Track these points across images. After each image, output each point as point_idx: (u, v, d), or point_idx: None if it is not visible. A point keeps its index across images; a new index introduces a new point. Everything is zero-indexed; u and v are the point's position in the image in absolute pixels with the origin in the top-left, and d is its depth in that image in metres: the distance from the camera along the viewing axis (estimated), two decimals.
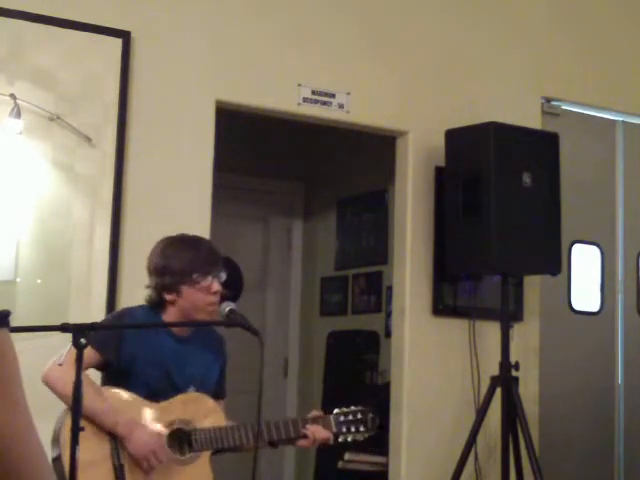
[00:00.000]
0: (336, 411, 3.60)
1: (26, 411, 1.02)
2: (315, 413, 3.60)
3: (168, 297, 3.47)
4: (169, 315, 3.49)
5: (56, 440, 3.25)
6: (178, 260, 3.45)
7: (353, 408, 3.61)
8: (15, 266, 4.20)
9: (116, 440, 3.33)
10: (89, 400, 3.16)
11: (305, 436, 3.51)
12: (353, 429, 3.59)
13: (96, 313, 4.20)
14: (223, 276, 3.51)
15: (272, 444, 3.55)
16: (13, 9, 4.24)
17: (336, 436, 3.59)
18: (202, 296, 3.44)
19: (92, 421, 3.27)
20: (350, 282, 6.67)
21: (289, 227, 7.06)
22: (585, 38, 5.74)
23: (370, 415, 3.62)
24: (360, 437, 3.62)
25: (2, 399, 0.98)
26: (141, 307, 3.53)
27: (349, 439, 3.61)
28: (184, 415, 3.42)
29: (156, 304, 3.50)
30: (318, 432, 3.51)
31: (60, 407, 3.27)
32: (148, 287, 3.51)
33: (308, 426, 3.51)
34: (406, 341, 5.07)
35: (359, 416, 3.60)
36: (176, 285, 3.44)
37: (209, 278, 3.44)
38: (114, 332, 3.44)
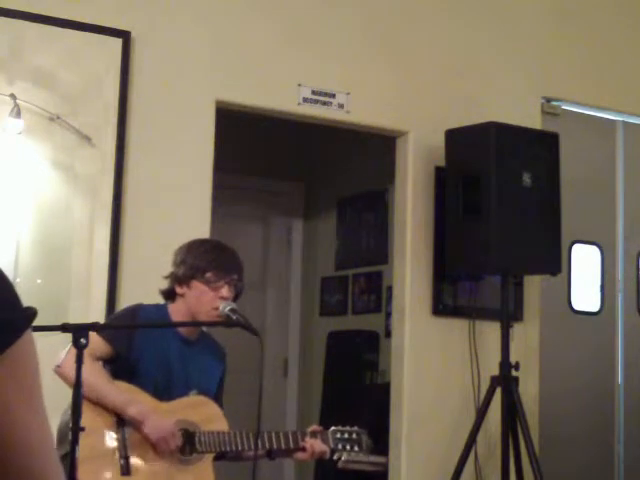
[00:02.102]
0: (333, 428, 3.64)
1: (45, 417, 1.03)
2: (314, 427, 3.64)
3: (179, 289, 3.52)
4: (177, 309, 3.53)
5: (63, 438, 3.25)
6: (198, 257, 3.51)
7: (349, 428, 3.66)
8: (15, 266, 4.20)
9: (124, 432, 3.34)
10: (103, 385, 3.25)
11: (303, 449, 3.54)
12: (348, 447, 3.63)
13: (96, 313, 4.20)
14: (239, 285, 3.53)
15: (270, 455, 3.57)
16: (13, 9, 4.24)
17: (332, 452, 3.63)
18: (210, 297, 3.45)
19: (103, 406, 3.30)
20: (350, 282, 6.68)
21: (289, 227, 7.06)
22: (585, 38, 5.73)
23: (365, 437, 3.67)
24: (354, 456, 3.67)
25: (25, 402, 1.00)
26: (153, 305, 3.55)
27: (343, 457, 3.65)
28: (189, 417, 3.44)
29: (167, 295, 3.54)
30: (316, 445, 3.55)
31: (63, 405, 3.27)
32: (166, 278, 3.56)
33: (307, 439, 3.55)
34: (406, 341, 5.07)
35: (354, 436, 3.65)
36: (188, 278, 3.48)
37: (221, 282, 3.46)
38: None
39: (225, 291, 3.47)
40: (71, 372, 3.10)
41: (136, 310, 3.55)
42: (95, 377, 3.25)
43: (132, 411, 3.34)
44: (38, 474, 1.02)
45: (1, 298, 0.99)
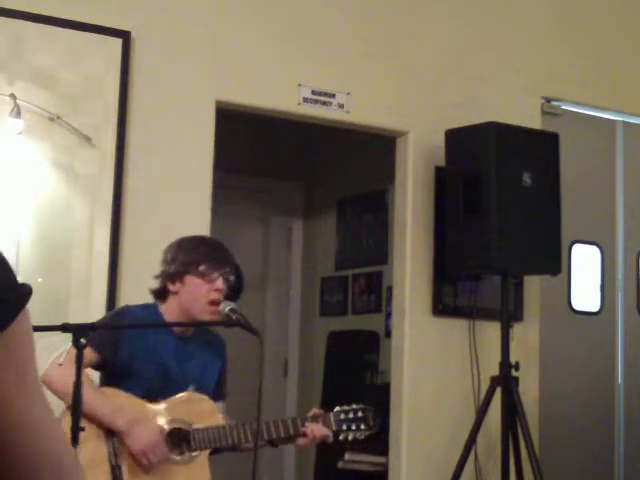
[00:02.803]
0: (337, 409, 3.57)
1: (44, 398, 1.03)
2: (315, 411, 3.58)
3: (172, 287, 3.49)
4: (169, 308, 3.50)
5: None
6: (190, 252, 3.48)
7: (354, 406, 3.58)
8: (15, 266, 4.20)
9: (114, 441, 3.33)
10: (88, 396, 3.17)
11: (304, 434, 3.49)
12: (354, 427, 3.55)
13: (96, 313, 4.20)
14: (231, 279, 3.51)
15: (272, 443, 3.53)
16: (13, 9, 4.24)
17: (336, 434, 3.56)
18: (205, 290, 3.43)
19: (90, 418, 3.26)
20: (350, 282, 6.68)
21: (289, 227, 7.06)
22: (585, 38, 5.73)
23: (371, 414, 3.59)
24: (360, 435, 3.58)
25: (21, 384, 0.99)
26: (141, 306, 3.53)
27: (349, 437, 3.57)
28: (182, 415, 3.42)
29: (159, 294, 3.51)
30: (317, 430, 3.48)
31: (58, 407, 3.27)
32: (157, 277, 3.53)
33: (307, 424, 3.49)
34: (406, 341, 5.07)
35: (360, 414, 3.57)
36: (181, 274, 3.46)
37: (216, 274, 3.45)
38: (112, 331, 3.45)
39: (220, 283, 3.45)
40: (60, 380, 3.08)
41: (123, 313, 3.52)
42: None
43: (117, 423, 3.31)
44: (39, 456, 1.01)
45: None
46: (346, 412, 3.57)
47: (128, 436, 3.29)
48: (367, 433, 3.59)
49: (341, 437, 3.57)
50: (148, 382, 3.41)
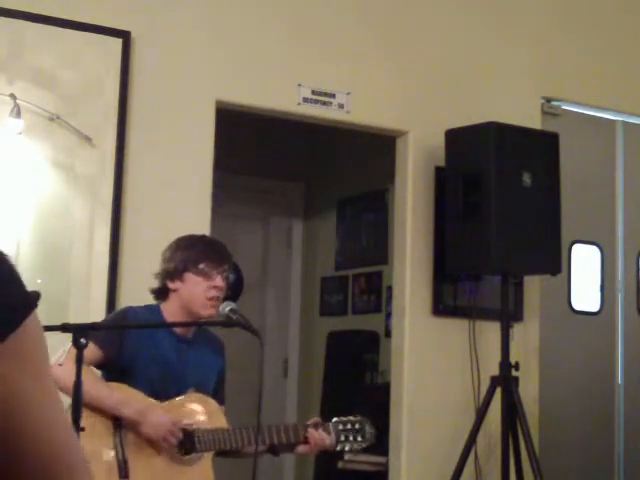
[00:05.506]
0: (335, 419, 3.61)
1: (57, 398, 1.05)
2: (315, 419, 3.61)
3: (171, 285, 3.51)
4: (170, 307, 3.52)
5: None
6: (188, 249, 3.51)
7: (352, 418, 3.62)
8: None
9: (121, 435, 3.34)
10: (96, 388, 3.22)
11: (305, 442, 3.51)
12: (351, 438, 3.59)
13: (96, 313, 4.20)
14: (230, 277, 3.53)
15: (273, 451, 3.56)
16: (13, 9, 4.25)
17: (335, 444, 3.59)
18: (204, 287, 3.45)
19: (98, 410, 3.29)
20: (350, 282, 6.68)
21: (289, 227, 7.06)
22: (585, 38, 5.74)
23: (367, 426, 3.63)
24: (357, 447, 3.62)
25: (38, 385, 1.00)
26: (144, 306, 3.55)
27: (347, 448, 3.61)
28: (187, 415, 3.43)
29: (159, 293, 3.53)
30: (319, 438, 3.52)
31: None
32: (156, 276, 3.56)
33: (309, 431, 3.52)
34: (406, 341, 5.07)
35: (357, 426, 3.61)
36: (181, 272, 3.48)
37: (215, 272, 3.46)
38: (116, 330, 3.47)
39: (219, 281, 3.47)
40: (66, 377, 3.09)
41: (125, 312, 3.54)
42: (89, 380, 3.15)
43: (128, 411, 3.33)
44: (55, 455, 1.02)
45: (2, 284, 0.98)
46: (344, 423, 3.61)
47: (143, 424, 3.30)
48: (363, 445, 3.64)
49: (339, 447, 3.61)
50: (151, 382, 3.43)
